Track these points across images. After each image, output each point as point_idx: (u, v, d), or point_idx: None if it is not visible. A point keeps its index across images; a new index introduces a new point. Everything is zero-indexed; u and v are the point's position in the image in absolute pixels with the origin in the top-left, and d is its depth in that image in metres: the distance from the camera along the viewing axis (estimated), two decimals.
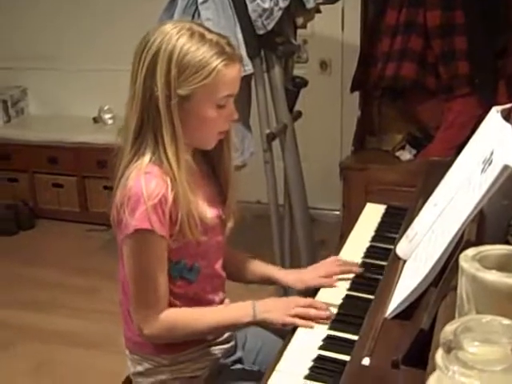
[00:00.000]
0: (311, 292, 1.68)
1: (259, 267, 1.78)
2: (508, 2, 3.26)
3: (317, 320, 1.52)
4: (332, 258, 1.78)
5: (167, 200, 1.43)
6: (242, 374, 1.66)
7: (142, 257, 1.46)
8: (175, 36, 1.43)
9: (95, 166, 4.19)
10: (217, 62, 1.43)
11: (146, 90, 1.44)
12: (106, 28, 4.34)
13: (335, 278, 1.70)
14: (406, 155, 3.60)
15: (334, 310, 1.56)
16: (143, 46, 1.46)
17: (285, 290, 2.91)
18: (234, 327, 1.61)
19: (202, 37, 1.45)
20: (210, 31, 1.49)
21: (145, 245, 1.45)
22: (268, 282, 1.79)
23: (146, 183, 1.42)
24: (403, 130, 3.71)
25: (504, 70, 3.30)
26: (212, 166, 1.63)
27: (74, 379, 2.82)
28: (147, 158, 1.45)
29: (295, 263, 3.12)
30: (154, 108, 1.43)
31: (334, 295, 1.64)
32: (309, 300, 1.58)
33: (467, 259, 0.92)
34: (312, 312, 1.53)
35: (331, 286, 1.68)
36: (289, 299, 1.60)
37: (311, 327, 1.51)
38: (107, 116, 4.46)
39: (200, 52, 1.43)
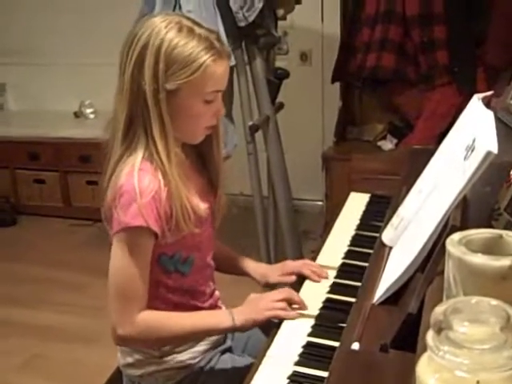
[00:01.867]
0: (298, 281, 1.70)
1: (240, 261, 1.80)
2: None
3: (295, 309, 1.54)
4: (301, 261, 1.79)
5: (160, 197, 1.43)
6: (232, 364, 1.67)
7: (129, 255, 1.44)
8: (164, 30, 1.43)
9: (77, 161, 4.19)
10: (205, 58, 1.43)
11: (134, 83, 1.44)
12: (86, 22, 4.32)
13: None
14: (387, 145, 3.63)
15: (323, 297, 1.58)
16: (131, 38, 1.45)
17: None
18: (212, 333, 1.59)
19: (191, 31, 1.44)
20: (199, 26, 1.48)
21: (135, 242, 1.44)
22: (243, 274, 1.81)
23: (138, 180, 1.42)
24: (384, 119, 3.75)
25: (482, 59, 3.34)
26: (202, 159, 1.64)
27: (63, 374, 2.82)
28: (140, 154, 1.45)
29: (280, 254, 3.15)
30: (143, 102, 1.43)
31: (321, 284, 1.66)
32: (284, 292, 1.58)
33: (453, 243, 0.94)
34: (294, 299, 1.55)
35: (288, 283, 1.70)
36: (262, 295, 1.60)
37: (293, 317, 1.52)
38: (88, 110, 4.46)
39: (188, 47, 1.42)
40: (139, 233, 1.43)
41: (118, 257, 1.46)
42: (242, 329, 1.57)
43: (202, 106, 1.48)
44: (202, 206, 1.56)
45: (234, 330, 1.57)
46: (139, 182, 1.42)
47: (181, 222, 1.46)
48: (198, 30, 1.46)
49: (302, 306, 1.56)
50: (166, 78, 1.42)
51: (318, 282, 1.68)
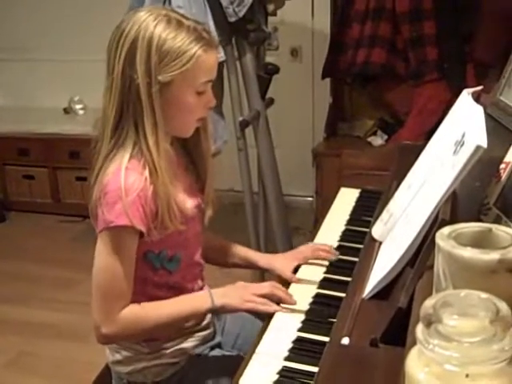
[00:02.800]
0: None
1: (238, 251, 1.80)
2: None
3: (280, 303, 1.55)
4: (307, 245, 1.80)
5: (146, 195, 1.43)
6: (221, 360, 1.68)
7: (113, 254, 1.43)
8: (152, 23, 1.43)
9: (67, 157, 4.17)
10: (196, 48, 1.43)
11: (126, 78, 1.43)
12: (75, 18, 4.30)
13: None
14: (377, 140, 3.64)
15: (313, 292, 1.59)
16: (119, 34, 1.44)
17: (262, 276, 2.93)
18: (193, 317, 1.59)
19: (180, 23, 1.45)
20: (186, 18, 1.49)
21: (119, 241, 1.43)
22: (246, 264, 1.82)
23: (124, 179, 1.41)
24: (374, 115, 3.75)
25: (472, 55, 3.35)
26: (190, 155, 1.63)
27: (53, 370, 2.81)
28: (128, 150, 1.44)
29: (270, 250, 3.14)
30: (135, 97, 1.43)
31: (311, 278, 1.66)
32: (270, 287, 1.58)
33: (443, 237, 0.94)
34: (270, 303, 1.54)
35: (291, 280, 1.70)
36: (248, 285, 1.61)
37: (273, 312, 1.52)
38: (78, 106, 4.44)
39: (179, 38, 1.43)
40: (123, 232, 1.42)
41: (102, 256, 1.45)
42: (221, 311, 1.58)
43: (194, 97, 1.48)
44: (189, 204, 1.55)
45: (212, 311, 1.57)
46: (125, 181, 1.41)
47: (166, 219, 1.46)
48: (186, 22, 1.46)
49: (290, 301, 1.56)
50: (159, 70, 1.42)
51: (334, 258, 1.72)
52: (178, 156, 1.58)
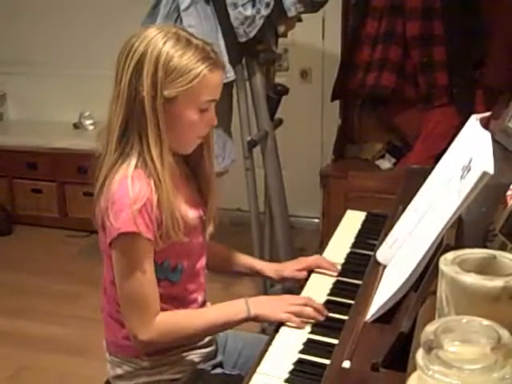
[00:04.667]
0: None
1: (243, 258, 1.84)
2: (486, 12, 3.31)
3: (311, 319, 1.54)
4: (314, 256, 1.82)
5: (152, 203, 1.44)
6: (222, 379, 1.67)
7: (130, 260, 1.45)
8: (162, 40, 1.45)
9: (75, 172, 4.18)
10: (202, 67, 1.46)
11: (132, 90, 1.45)
12: (87, 33, 4.33)
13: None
14: (385, 164, 3.63)
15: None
16: (129, 48, 1.47)
17: (265, 289, 2.94)
18: (229, 325, 1.59)
19: (188, 42, 1.47)
20: (195, 37, 1.51)
21: (132, 248, 1.45)
22: (250, 272, 1.85)
23: (130, 187, 1.43)
24: (383, 138, 3.75)
25: (482, 81, 3.35)
26: (192, 170, 1.65)
27: None
28: (133, 161, 1.46)
29: None
30: (140, 109, 1.45)
31: (314, 299, 1.65)
32: (304, 298, 1.60)
33: (447, 262, 0.93)
34: (307, 311, 1.54)
35: (302, 278, 1.74)
36: (283, 297, 1.62)
37: (303, 328, 1.52)
38: (88, 122, 4.46)
39: (186, 56, 1.45)
40: (133, 238, 1.44)
41: (120, 266, 1.47)
42: (255, 320, 1.58)
43: (197, 114, 1.50)
44: (191, 215, 1.57)
45: (248, 320, 1.57)
46: (131, 189, 1.43)
47: (170, 229, 1.47)
48: (194, 41, 1.49)
49: (323, 312, 1.55)
50: (165, 85, 1.44)
51: (334, 274, 1.74)
52: (179, 168, 1.60)
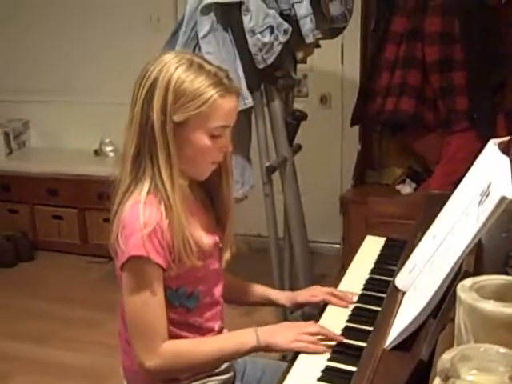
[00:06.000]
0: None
1: (256, 288, 1.82)
2: (506, 36, 3.31)
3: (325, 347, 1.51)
4: (330, 289, 1.79)
5: (162, 229, 1.44)
6: None
7: (138, 283, 1.45)
8: (174, 65, 1.47)
9: (96, 199, 4.20)
10: (213, 92, 1.46)
11: (143, 115, 1.47)
12: (108, 61, 4.38)
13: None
14: (406, 189, 3.62)
15: (333, 342, 1.56)
16: (144, 73, 1.49)
17: (285, 315, 2.92)
18: (238, 355, 1.57)
19: (201, 67, 1.48)
20: (209, 63, 1.52)
21: (140, 271, 1.44)
22: (265, 302, 1.83)
23: (142, 212, 1.43)
24: (403, 163, 3.74)
25: (502, 105, 3.33)
26: (210, 196, 1.65)
27: None
28: (146, 186, 1.47)
29: None
30: (150, 133, 1.46)
31: (333, 326, 1.63)
32: (317, 326, 1.57)
33: (465, 289, 0.92)
34: (319, 344, 1.52)
35: (318, 304, 1.73)
36: (295, 324, 1.61)
37: (322, 352, 1.49)
38: (108, 148, 4.49)
39: (197, 81, 1.46)
40: (142, 262, 1.43)
41: (129, 290, 1.47)
42: (266, 349, 1.55)
43: (208, 139, 1.50)
44: (206, 240, 1.56)
45: (257, 350, 1.54)
46: (142, 215, 1.43)
47: (182, 254, 1.47)
48: (207, 66, 1.50)
49: (338, 339, 1.53)
50: (174, 110, 1.45)
51: (346, 307, 1.70)
52: (195, 194, 1.60)
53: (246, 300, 1.83)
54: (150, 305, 1.46)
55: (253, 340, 1.52)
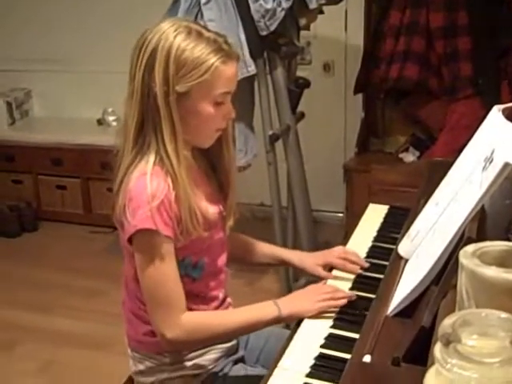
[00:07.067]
0: None
1: (266, 247, 1.82)
2: (510, 2, 3.27)
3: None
4: (339, 248, 1.80)
5: (170, 200, 1.43)
6: (243, 379, 1.66)
7: (150, 258, 1.44)
8: (173, 33, 1.44)
9: (99, 168, 4.20)
10: (214, 59, 1.44)
11: (145, 87, 1.45)
12: (110, 30, 4.34)
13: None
14: (409, 157, 3.60)
15: (336, 309, 1.57)
16: (141, 43, 1.46)
17: (288, 283, 2.92)
18: (259, 326, 1.58)
19: (200, 34, 1.46)
20: (207, 29, 1.50)
21: (151, 245, 1.44)
22: (275, 261, 1.83)
23: (149, 184, 1.42)
24: (407, 131, 3.72)
25: (507, 71, 3.30)
26: (211, 164, 1.64)
27: (78, 380, 2.82)
28: (152, 158, 1.45)
29: None
30: (153, 105, 1.44)
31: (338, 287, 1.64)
32: (330, 286, 1.61)
33: (467, 255, 0.92)
34: (338, 296, 1.56)
35: (326, 277, 1.72)
36: (308, 289, 1.62)
37: (344, 303, 1.54)
38: (111, 118, 4.47)
39: (198, 49, 1.44)
40: (151, 236, 1.43)
41: (141, 264, 1.47)
42: (288, 320, 1.57)
43: (212, 107, 1.48)
44: (211, 210, 1.56)
45: (279, 321, 1.56)
46: (150, 186, 1.42)
47: (189, 225, 1.46)
48: (206, 33, 1.47)
49: (351, 295, 1.58)
50: (177, 80, 1.43)
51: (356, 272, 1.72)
52: (199, 163, 1.59)
53: (254, 259, 1.82)
54: (164, 277, 1.46)
55: (274, 311, 1.53)
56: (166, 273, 1.46)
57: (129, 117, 1.48)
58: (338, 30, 3.92)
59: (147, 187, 1.42)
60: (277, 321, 1.55)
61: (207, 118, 1.49)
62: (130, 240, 1.46)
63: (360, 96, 3.72)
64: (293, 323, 1.56)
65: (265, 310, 1.55)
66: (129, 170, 1.47)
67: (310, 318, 1.54)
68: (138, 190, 1.43)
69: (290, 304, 1.55)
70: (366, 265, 1.73)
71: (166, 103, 1.43)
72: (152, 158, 1.45)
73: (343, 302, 1.54)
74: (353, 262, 1.74)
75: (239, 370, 1.67)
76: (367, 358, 1.22)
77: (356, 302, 1.58)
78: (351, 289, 1.66)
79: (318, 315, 1.54)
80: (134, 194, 1.43)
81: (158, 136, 1.45)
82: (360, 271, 1.72)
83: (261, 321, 1.54)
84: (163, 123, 1.44)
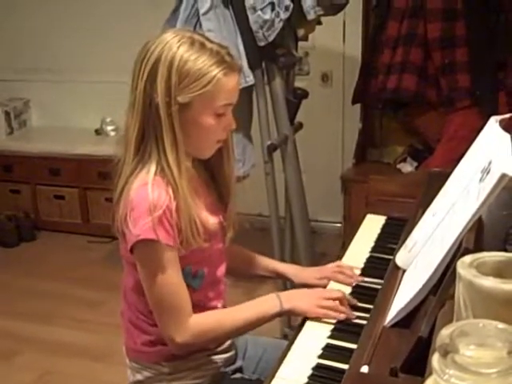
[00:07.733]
0: None
1: (264, 261, 1.83)
2: (508, 13, 3.28)
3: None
4: (334, 264, 1.80)
5: (171, 210, 1.44)
6: (241, 382, 1.67)
7: (153, 267, 1.45)
8: (176, 44, 1.45)
9: (97, 178, 4.21)
10: (216, 71, 1.44)
11: (147, 97, 1.45)
12: (108, 40, 4.36)
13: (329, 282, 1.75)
14: (407, 167, 3.61)
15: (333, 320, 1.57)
16: (144, 53, 1.47)
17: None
18: (263, 321, 1.58)
19: (203, 46, 1.46)
20: (210, 41, 1.50)
21: (153, 255, 1.44)
22: (272, 275, 1.84)
23: (150, 193, 1.42)
24: (404, 142, 3.73)
25: (504, 82, 3.31)
26: (211, 175, 1.64)
27: None
28: (153, 168, 1.45)
29: None
30: (155, 115, 1.44)
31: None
32: (338, 292, 1.60)
33: (464, 266, 0.92)
34: (341, 308, 1.56)
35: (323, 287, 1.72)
36: (316, 290, 1.63)
37: (342, 317, 1.54)
38: (109, 128, 4.48)
39: (200, 60, 1.44)
40: (152, 246, 1.43)
41: (145, 274, 1.47)
42: (289, 313, 1.59)
43: (213, 119, 1.49)
44: (211, 220, 1.56)
45: (281, 314, 1.58)
46: (151, 196, 1.42)
47: (189, 235, 1.47)
48: (209, 44, 1.48)
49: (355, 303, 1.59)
50: (179, 91, 1.44)
51: (352, 284, 1.72)
52: (199, 174, 1.59)
53: (251, 272, 1.83)
54: (169, 284, 1.46)
55: (276, 305, 1.55)
56: (170, 281, 1.46)
57: (130, 126, 1.48)
58: (336, 40, 3.93)
59: (149, 197, 1.42)
60: (278, 315, 1.58)
61: (208, 130, 1.50)
62: (131, 250, 1.47)
63: (358, 106, 3.73)
64: (292, 333, 1.56)
65: (267, 304, 1.57)
66: (129, 179, 1.47)
67: (307, 328, 1.54)
68: (139, 199, 1.43)
69: (291, 299, 1.57)
70: (361, 279, 1.73)
71: (167, 114, 1.43)
72: (153, 167, 1.46)
73: (342, 316, 1.54)
74: (348, 276, 1.74)
75: (237, 380, 1.67)
76: (365, 369, 1.22)
77: (354, 311, 1.58)
78: None
79: (316, 326, 1.54)
80: (135, 203, 1.43)
81: (160, 146, 1.45)
82: (357, 282, 1.72)
83: (265, 316, 1.56)
84: (164, 133, 1.44)
